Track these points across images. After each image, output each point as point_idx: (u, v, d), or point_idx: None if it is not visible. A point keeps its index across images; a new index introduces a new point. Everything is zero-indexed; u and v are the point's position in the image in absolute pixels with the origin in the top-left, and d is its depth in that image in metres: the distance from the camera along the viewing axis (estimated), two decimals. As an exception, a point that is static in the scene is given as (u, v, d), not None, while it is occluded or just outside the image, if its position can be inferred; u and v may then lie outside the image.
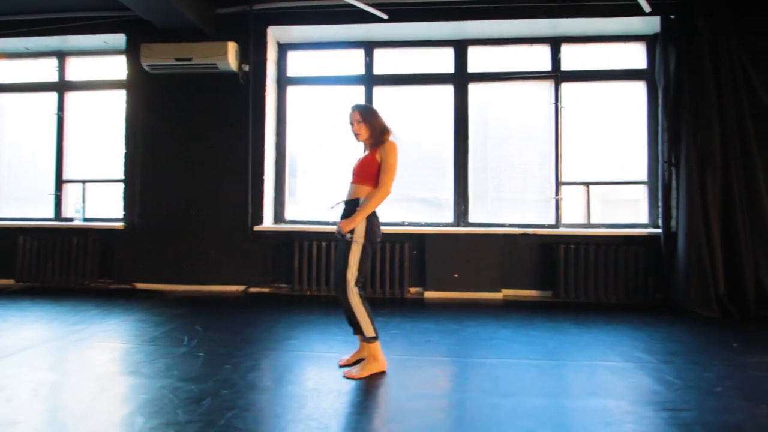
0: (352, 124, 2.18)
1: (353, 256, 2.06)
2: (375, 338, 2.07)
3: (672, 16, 3.70)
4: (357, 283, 2.07)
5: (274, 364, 2.22)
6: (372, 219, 2.11)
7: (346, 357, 2.23)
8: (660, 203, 3.73)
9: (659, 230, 3.77)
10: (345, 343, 2.52)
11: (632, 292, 3.73)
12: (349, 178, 2.22)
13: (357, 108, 2.20)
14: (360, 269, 2.07)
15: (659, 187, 3.80)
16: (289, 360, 2.29)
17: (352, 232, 2.06)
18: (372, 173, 2.12)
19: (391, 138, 2.17)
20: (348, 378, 2.02)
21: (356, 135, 2.18)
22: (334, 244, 3.93)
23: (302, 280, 3.99)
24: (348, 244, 2.07)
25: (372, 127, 2.16)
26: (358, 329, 2.10)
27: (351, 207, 2.13)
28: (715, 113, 3.48)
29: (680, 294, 3.46)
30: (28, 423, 1.59)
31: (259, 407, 1.73)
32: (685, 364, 2.23)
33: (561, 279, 3.80)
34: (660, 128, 3.77)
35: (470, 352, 2.43)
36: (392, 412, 1.74)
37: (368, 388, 1.92)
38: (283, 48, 4.41)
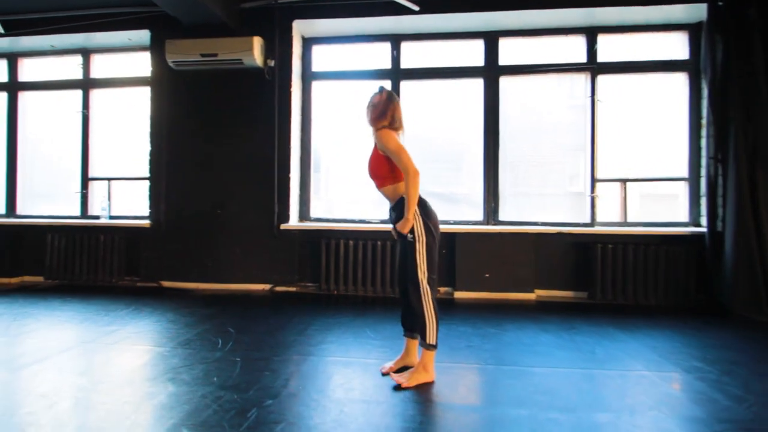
0: (371, 104, 2.11)
1: (419, 255, 1.97)
2: (434, 347, 1.99)
3: (720, 3, 3.49)
4: (430, 281, 1.98)
5: (313, 371, 2.15)
6: (426, 211, 2.02)
7: (389, 364, 2.15)
8: (704, 201, 3.56)
9: (702, 229, 3.61)
10: (382, 348, 2.44)
11: (672, 294, 3.57)
12: (372, 184, 2.14)
13: (384, 91, 2.13)
14: (429, 266, 1.98)
15: (702, 184, 3.63)
16: (328, 367, 2.21)
17: (411, 231, 1.97)
18: (386, 169, 2.04)
19: (401, 133, 2.09)
20: (397, 383, 1.94)
21: (366, 115, 2.12)
22: (362, 243, 3.85)
23: (329, 279, 3.92)
24: (411, 244, 1.98)
25: (381, 113, 2.07)
26: (415, 331, 2.04)
27: (398, 209, 2.04)
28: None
29: (728, 296, 3.30)
30: (73, 434, 1.54)
31: (306, 420, 1.65)
32: (751, 375, 2.09)
33: (598, 279, 3.66)
34: (706, 122, 3.58)
35: (516, 359, 2.32)
36: (448, 428, 1.65)
37: (419, 400, 1.83)
38: (308, 42, 4.32)
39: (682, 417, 1.68)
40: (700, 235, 3.58)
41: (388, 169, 2.04)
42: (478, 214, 4.10)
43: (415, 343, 2.11)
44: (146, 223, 4.18)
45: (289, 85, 4.07)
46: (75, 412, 1.72)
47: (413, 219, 1.96)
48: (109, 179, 4.55)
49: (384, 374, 2.09)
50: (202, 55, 3.90)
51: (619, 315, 3.24)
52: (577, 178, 4.07)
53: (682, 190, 3.96)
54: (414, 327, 2.07)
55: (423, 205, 2.03)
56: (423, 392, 1.90)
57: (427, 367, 1.99)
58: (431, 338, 1.98)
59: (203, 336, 2.66)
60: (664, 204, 4.11)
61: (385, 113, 2.07)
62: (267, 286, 4.04)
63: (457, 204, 4.18)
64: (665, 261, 3.60)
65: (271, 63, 4.02)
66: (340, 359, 2.32)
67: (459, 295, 3.81)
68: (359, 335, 2.72)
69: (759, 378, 2.05)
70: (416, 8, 3.70)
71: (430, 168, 4.12)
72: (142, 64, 4.46)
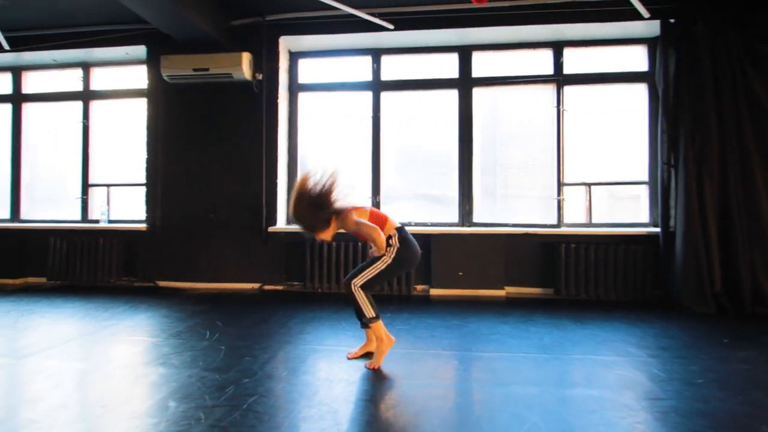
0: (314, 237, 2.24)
1: (373, 268, 2.23)
2: (376, 317, 2.23)
3: (672, 20, 3.79)
4: (362, 287, 2.22)
5: (288, 356, 2.43)
6: (405, 244, 2.27)
7: (354, 350, 2.43)
8: (660, 203, 3.84)
9: (659, 229, 3.89)
10: (354, 338, 2.72)
11: (632, 290, 3.85)
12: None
13: (298, 200, 2.16)
14: (370, 282, 2.22)
15: (659, 187, 3.90)
16: (302, 353, 2.49)
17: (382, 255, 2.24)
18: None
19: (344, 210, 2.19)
20: (369, 368, 2.21)
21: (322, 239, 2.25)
22: (344, 243, 4.13)
23: (314, 278, 4.20)
24: (376, 258, 2.25)
25: (325, 223, 2.18)
26: (361, 317, 2.28)
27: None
28: (714, 115, 3.57)
29: (677, 291, 3.58)
30: (79, 405, 1.82)
31: (276, 394, 1.93)
32: (673, 358, 2.37)
33: (562, 277, 3.94)
34: (660, 130, 3.87)
35: (470, 346, 2.60)
36: (395, 399, 1.92)
37: (375, 378, 2.11)
38: (294, 56, 4.61)
39: (597, 389, 1.96)
40: (657, 234, 3.86)
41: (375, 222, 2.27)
42: (455, 216, 4.38)
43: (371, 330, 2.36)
44: (143, 226, 4.46)
45: (276, 97, 4.36)
46: (78, 389, 2.00)
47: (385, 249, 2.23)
48: (108, 185, 4.83)
49: (349, 358, 2.36)
50: (195, 70, 4.20)
51: (578, 309, 3.52)
52: (546, 182, 4.35)
53: (644, 192, 4.25)
54: (361, 317, 2.31)
55: (404, 239, 2.29)
56: (381, 373, 2.17)
57: (383, 336, 2.25)
58: (369, 312, 2.22)
59: (193, 328, 2.93)
60: (628, 206, 4.40)
61: (318, 219, 2.16)
62: (256, 285, 4.32)
63: (445, 205, 4.45)
64: (625, 259, 3.88)
65: (259, 76, 4.31)
66: (313, 347, 2.59)
67: (434, 292, 4.09)
68: (335, 327, 3.00)
69: (679, 360, 2.33)
70: (391, 27, 4.00)
71: (420, 171, 4.45)
72: (138, 77, 4.75)
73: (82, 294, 4.03)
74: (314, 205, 2.13)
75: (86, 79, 4.92)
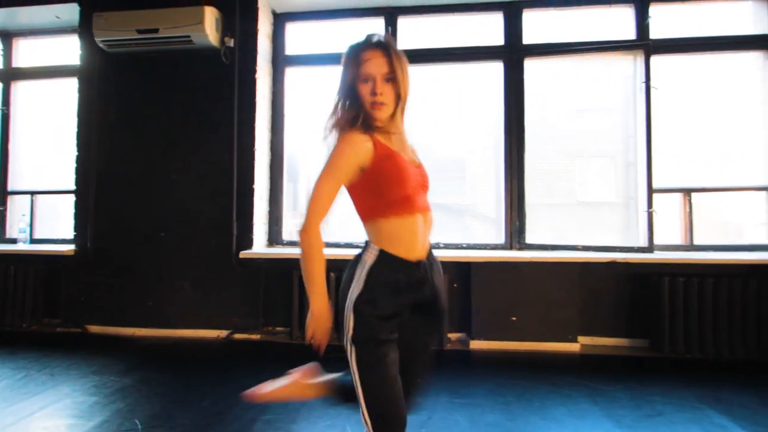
0: (375, 80, 1.08)
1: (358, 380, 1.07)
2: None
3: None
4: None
5: None
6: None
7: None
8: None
9: (805, 256, 2.68)
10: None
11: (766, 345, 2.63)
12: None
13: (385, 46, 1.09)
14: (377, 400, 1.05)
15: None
16: None
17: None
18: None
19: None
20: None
21: (379, 105, 1.08)
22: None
23: (304, 322, 2.96)
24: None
25: (404, 91, 1.10)
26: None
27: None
28: None
29: None
30: None
31: None
32: None
33: (665, 325, 2.71)
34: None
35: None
36: None
37: None
38: (280, 19, 3.42)
39: None
40: (806, 263, 2.65)
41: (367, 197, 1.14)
42: (498, 236, 3.17)
43: None
44: (70, 249, 3.23)
45: (254, 71, 3.16)
46: None
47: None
48: (32, 192, 3.62)
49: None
50: (139, 32, 3.00)
51: (700, 378, 2.29)
52: (627, 188, 3.15)
53: (764, 202, 3.04)
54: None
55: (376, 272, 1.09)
56: None
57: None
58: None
59: (118, 415, 1.70)
60: (734, 222, 3.20)
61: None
62: (223, 333, 3.08)
63: (482, 220, 3.27)
64: (756, 299, 2.66)
65: (230, 42, 3.11)
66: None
67: (476, 345, 2.86)
68: (337, 422, 1.76)
69: None
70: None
71: (444, 173, 3.22)
72: (73, 50, 3.57)
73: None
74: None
75: (7, 54, 3.73)
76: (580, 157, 3.22)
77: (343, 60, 1.13)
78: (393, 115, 1.11)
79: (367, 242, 1.11)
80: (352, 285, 1.06)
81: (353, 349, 1.04)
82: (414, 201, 1.09)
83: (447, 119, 3.35)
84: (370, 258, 1.07)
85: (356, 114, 1.09)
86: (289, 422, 1.82)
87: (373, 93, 1.07)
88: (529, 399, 2.06)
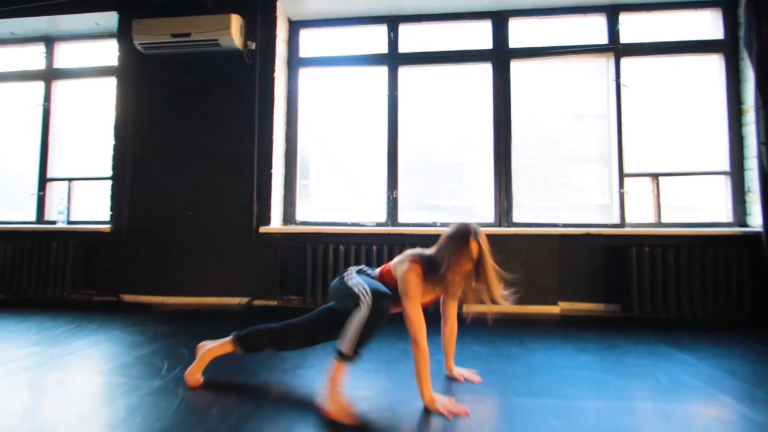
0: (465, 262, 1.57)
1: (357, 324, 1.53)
2: (350, 358, 1.53)
3: (761, -30, 3.05)
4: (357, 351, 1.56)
5: (278, 413, 1.56)
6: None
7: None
8: (759, 195, 3.02)
9: (755, 229, 3.06)
10: (374, 373, 1.86)
11: (724, 305, 3.00)
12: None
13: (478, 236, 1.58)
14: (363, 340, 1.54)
15: (748, 177, 3.10)
16: (302, 404, 1.62)
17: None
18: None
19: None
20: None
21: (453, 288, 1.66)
22: (354, 248, 3.30)
23: (316, 290, 3.35)
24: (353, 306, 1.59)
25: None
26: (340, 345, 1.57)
27: None
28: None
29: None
30: None
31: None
32: None
33: (634, 289, 3.09)
34: (755, 107, 3.08)
35: (554, 388, 1.74)
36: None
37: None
38: (294, 25, 3.87)
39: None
40: (755, 235, 3.04)
41: None
42: (488, 216, 3.56)
43: None
44: (106, 227, 3.62)
45: (272, 71, 3.59)
46: None
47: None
48: (69, 179, 4.02)
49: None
50: (174, 36, 3.44)
51: (665, 330, 2.65)
52: (602, 174, 3.55)
53: (723, 185, 3.44)
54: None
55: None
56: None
57: (335, 380, 1.54)
58: (348, 348, 1.52)
59: (146, 359, 2.07)
60: (698, 202, 3.59)
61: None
62: (244, 300, 3.45)
63: (476, 203, 3.66)
64: (713, 266, 3.04)
65: (252, 45, 3.55)
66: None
67: (469, 309, 3.22)
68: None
69: None
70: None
71: (440, 169, 3.62)
72: (110, 53, 4.00)
73: (21, 310, 3.15)
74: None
75: (49, 56, 4.16)
76: (558, 145, 3.62)
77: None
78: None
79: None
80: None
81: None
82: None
83: (444, 119, 3.76)
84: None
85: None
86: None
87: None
88: (510, 338, 2.43)
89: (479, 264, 1.52)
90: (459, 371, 1.84)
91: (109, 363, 2.03)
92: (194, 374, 1.74)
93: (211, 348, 1.78)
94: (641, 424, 1.41)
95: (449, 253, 1.53)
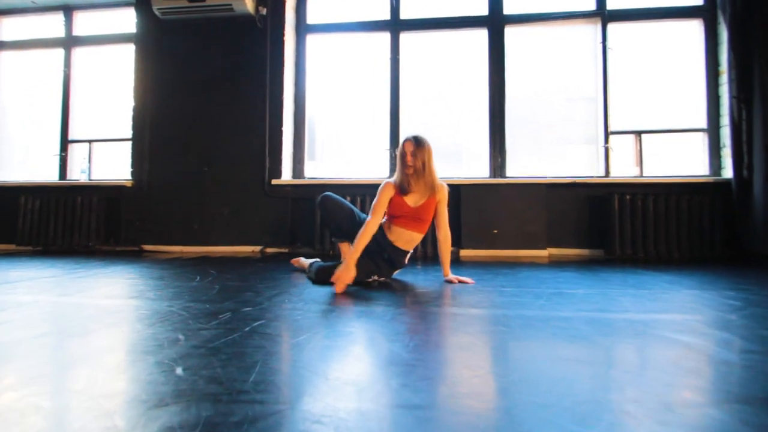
0: (404, 155, 2.04)
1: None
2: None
3: (737, -63, 3.29)
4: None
5: (302, 292, 1.85)
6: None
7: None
8: (729, 147, 3.30)
9: (727, 177, 3.35)
10: (384, 291, 2.14)
11: (697, 246, 3.29)
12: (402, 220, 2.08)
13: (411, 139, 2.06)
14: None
15: (723, 134, 3.37)
16: (318, 291, 1.91)
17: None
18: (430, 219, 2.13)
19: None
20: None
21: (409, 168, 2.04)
22: (359, 197, 3.57)
23: (324, 239, 3.63)
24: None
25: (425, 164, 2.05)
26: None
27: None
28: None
29: (760, 242, 3.02)
30: (53, 332, 1.24)
31: (292, 318, 1.35)
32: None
33: (616, 234, 3.37)
34: (727, 68, 3.34)
35: (539, 285, 2.02)
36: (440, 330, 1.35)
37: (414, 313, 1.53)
38: (302, -7, 4.10)
39: (689, 314, 1.39)
40: (725, 182, 3.32)
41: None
42: (484, 171, 3.83)
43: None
44: (128, 182, 3.88)
45: (282, 35, 3.83)
46: (53, 319, 1.41)
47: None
48: (90, 141, 4.28)
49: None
50: (190, 1, 3.68)
51: (641, 265, 2.94)
52: (590, 132, 3.82)
53: (701, 142, 3.71)
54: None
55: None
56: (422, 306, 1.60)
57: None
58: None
59: (180, 274, 2.35)
60: (678, 158, 3.86)
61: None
62: (257, 248, 3.74)
63: (473, 160, 3.92)
64: (688, 212, 3.33)
65: (263, 11, 3.79)
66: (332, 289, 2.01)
67: (465, 253, 3.51)
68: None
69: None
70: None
71: (443, 120, 3.88)
72: (126, 21, 4.23)
73: (55, 258, 3.43)
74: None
75: (68, 24, 4.39)
76: (549, 105, 3.89)
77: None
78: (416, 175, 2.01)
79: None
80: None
81: None
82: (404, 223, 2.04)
83: (444, 83, 4.01)
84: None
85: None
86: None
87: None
88: (502, 268, 2.71)
89: (415, 159, 1.98)
90: (454, 276, 2.12)
91: (148, 275, 2.31)
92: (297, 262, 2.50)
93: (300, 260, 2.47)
94: (613, 300, 1.70)
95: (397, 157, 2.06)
